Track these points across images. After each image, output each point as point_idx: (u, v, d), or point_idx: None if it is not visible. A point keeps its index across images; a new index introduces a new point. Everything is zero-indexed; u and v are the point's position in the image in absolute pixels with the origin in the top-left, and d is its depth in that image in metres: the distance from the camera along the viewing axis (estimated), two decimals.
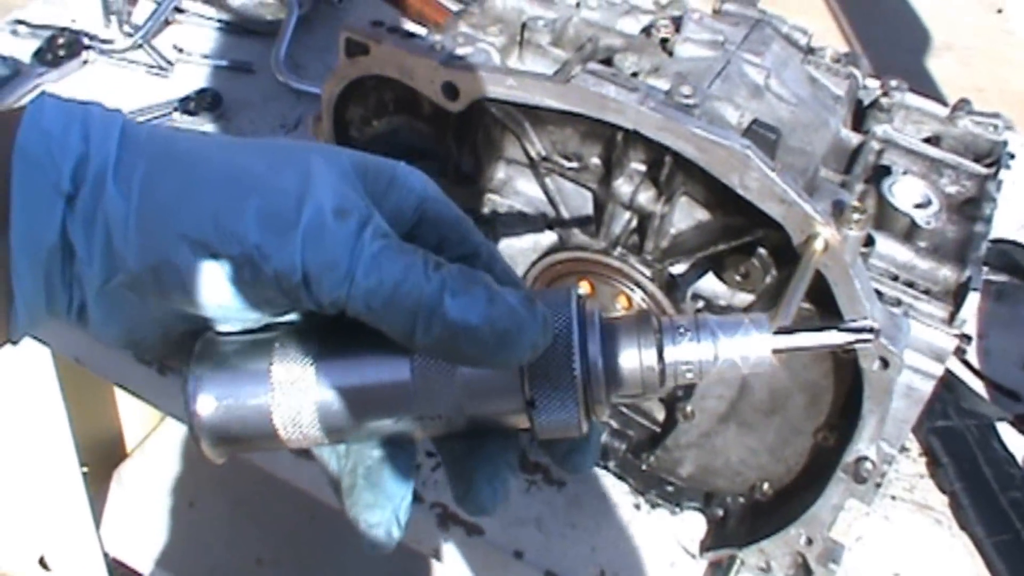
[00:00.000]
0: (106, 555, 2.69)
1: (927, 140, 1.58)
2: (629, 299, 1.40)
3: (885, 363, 1.22)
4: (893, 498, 1.70)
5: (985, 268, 2.05)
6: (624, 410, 1.59)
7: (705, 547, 1.59)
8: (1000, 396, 1.85)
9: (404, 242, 0.68)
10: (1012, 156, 1.56)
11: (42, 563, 2.90)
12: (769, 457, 1.49)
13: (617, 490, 1.63)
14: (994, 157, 1.56)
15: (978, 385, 1.86)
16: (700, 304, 1.39)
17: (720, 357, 0.76)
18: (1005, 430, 1.78)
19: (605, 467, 1.65)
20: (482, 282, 0.68)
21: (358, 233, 0.65)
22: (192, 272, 0.64)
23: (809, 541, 1.45)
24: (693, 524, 1.61)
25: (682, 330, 0.75)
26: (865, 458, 1.33)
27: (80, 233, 0.63)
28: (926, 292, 1.36)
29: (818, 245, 1.16)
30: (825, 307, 1.26)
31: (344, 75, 1.41)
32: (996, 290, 2.02)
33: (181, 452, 2.84)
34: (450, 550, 1.62)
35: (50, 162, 0.62)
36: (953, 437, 1.74)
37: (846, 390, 1.35)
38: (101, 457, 2.78)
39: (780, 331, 0.79)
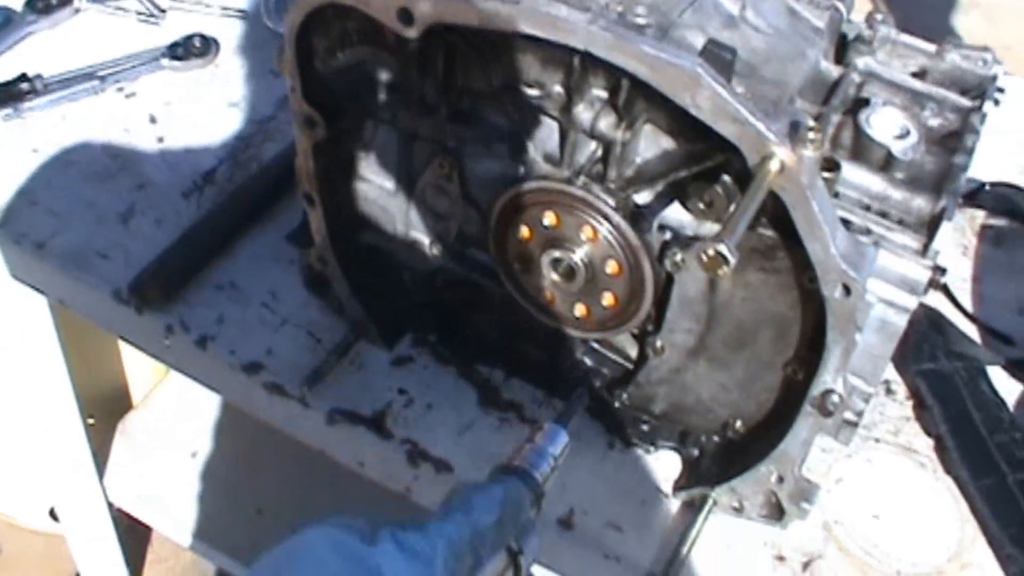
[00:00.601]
0: (111, 506, 2.70)
1: (914, 75, 1.52)
2: (595, 231, 1.37)
3: (847, 290, 1.18)
4: (877, 441, 1.66)
5: (983, 212, 2.00)
6: (597, 347, 1.56)
7: (678, 486, 1.56)
8: (993, 340, 1.80)
9: None
10: (1001, 91, 1.51)
11: (52, 515, 2.93)
12: (740, 393, 1.46)
13: (591, 429, 1.60)
14: (981, 91, 1.50)
15: (970, 329, 1.81)
16: (667, 235, 1.36)
17: None
18: (996, 374, 1.73)
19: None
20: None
21: None
22: None
23: (780, 479, 1.42)
24: (668, 464, 1.58)
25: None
26: (831, 391, 1.29)
27: None
28: (899, 223, 1.32)
29: (773, 166, 1.12)
30: (787, 234, 1.22)
31: (305, 5, 1.38)
32: (994, 234, 1.96)
33: (184, 404, 2.84)
34: (420, 488, 1.60)
35: None
36: (941, 380, 1.70)
37: (813, 322, 1.31)
38: (107, 409, 2.78)
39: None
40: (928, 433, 1.67)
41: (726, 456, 1.51)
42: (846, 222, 1.28)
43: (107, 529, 2.74)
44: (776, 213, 1.19)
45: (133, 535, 2.89)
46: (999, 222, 1.96)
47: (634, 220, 1.35)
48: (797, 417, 1.34)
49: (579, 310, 1.47)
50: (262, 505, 2.70)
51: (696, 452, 1.56)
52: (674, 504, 1.55)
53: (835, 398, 1.28)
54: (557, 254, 1.41)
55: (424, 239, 1.58)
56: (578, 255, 1.40)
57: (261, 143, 2.01)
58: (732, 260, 1.05)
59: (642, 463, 1.58)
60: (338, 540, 0.86)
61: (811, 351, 1.34)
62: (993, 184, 1.97)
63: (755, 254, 1.29)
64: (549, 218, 1.39)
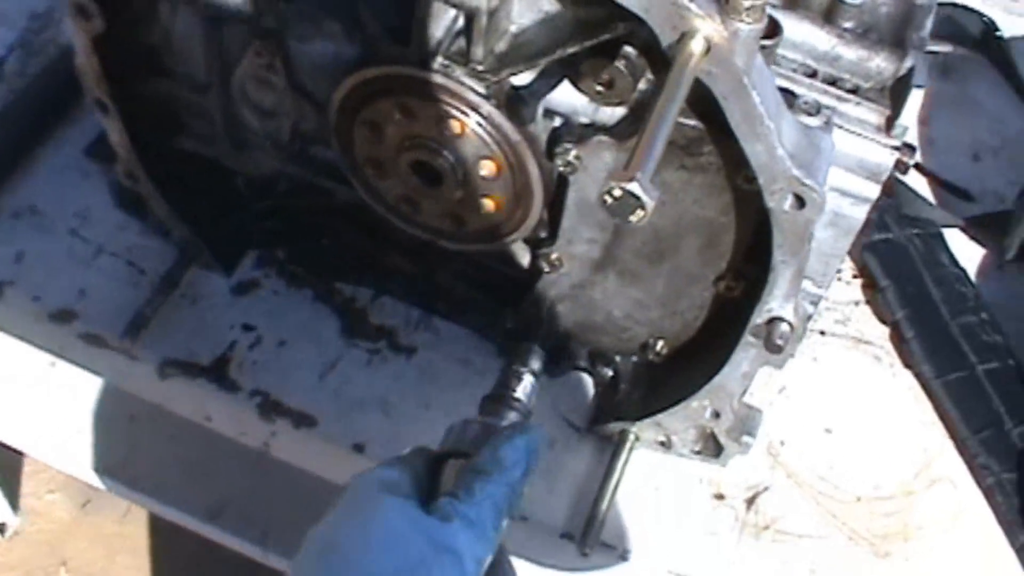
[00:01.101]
0: None
1: None
2: (462, 125, 1.04)
3: (800, 201, 0.89)
4: (822, 333, 1.39)
5: None
6: (483, 259, 1.25)
7: (593, 420, 1.28)
8: (948, 196, 1.52)
9: None
10: None
11: None
12: (660, 310, 1.17)
13: (482, 353, 1.31)
14: None
15: (921, 184, 1.53)
16: (557, 122, 1.04)
17: None
18: (954, 239, 1.46)
19: (465, 326, 1.33)
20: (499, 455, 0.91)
21: None
22: None
23: (716, 414, 1.15)
24: (577, 390, 1.30)
25: None
26: (780, 319, 1.01)
27: None
28: (854, 91, 1.02)
29: (696, 47, 0.80)
30: (715, 123, 0.91)
31: None
32: (941, 64, 1.67)
33: None
34: (281, 444, 1.30)
35: None
36: (894, 253, 1.43)
37: (752, 229, 1.03)
38: None
39: None
40: (882, 320, 1.41)
41: (648, 383, 1.24)
42: (787, 94, 0.97)
43: None
44: (700, 96, 0.88)
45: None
46: (944, 48, 1.66)
47: (511, 108, 1.03)
48: (736, 345, 1.05)
49: (451, 220, 1.16)
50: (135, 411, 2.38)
51: (610, 374, 1.28)
52: (589, 443, 1.27)
53: (784, 327, 1.00)
54: (417, 156, 1.09)
55: (253, 140, 1.24)
56: (444, 156, 1.08)
57: (60, 20, 1.60)
58: (649, 203, 0.74)
59: (545, 393, 1.29)
60: (413, 516, 0.81)
61: (750, 263, 1.05)
62: (940, 4, 1.65)
63: (674, 149, 0.99)
64: (402, 112, 1.06)
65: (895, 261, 1.42)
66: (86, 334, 1.32)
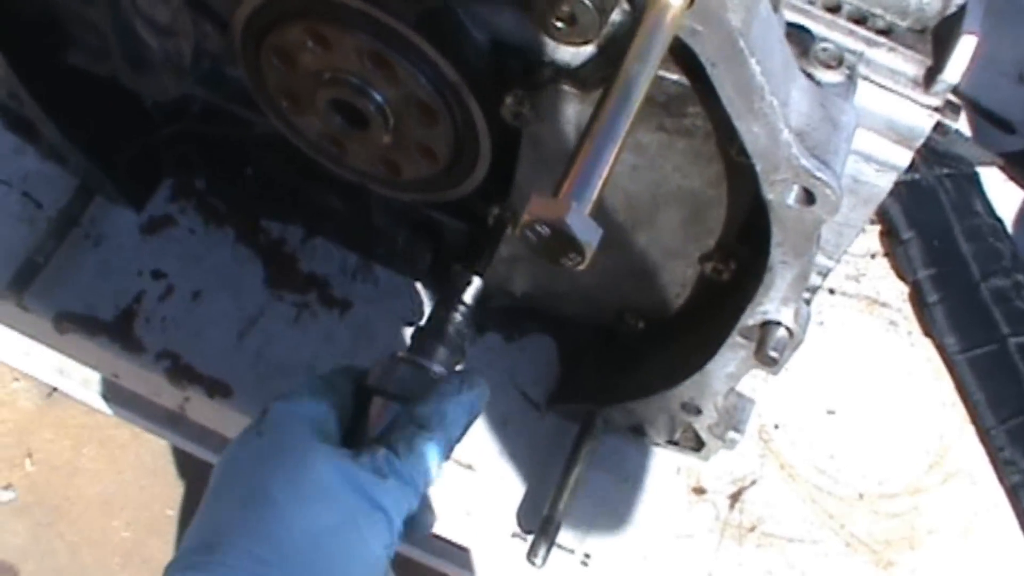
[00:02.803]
0: None
1: None
2: (385, 60, 0.83)
3: (809, 196, 0.68)
4: (831, 292, 1.19)
5: None
6: (429, 207, 1.05)
7: (554, 397, 1.10)
8: (986, 127, 1.30)
9: None
10: None
11: None
12: (634, 283, 0.98)
13: (426, 309, 1.11)
14: None
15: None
16: (507, 62, 0.83)
17: None
18: (991, 181, 1.25)
19: (408, 275, 1.13)
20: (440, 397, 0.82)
21: None
22: None
23: (697, 410, 0.96)
24: (537, 360, 1.11)
25: None
26: (776, 323, 0.81)
27: None
28: (887, 32, 0.79)
29: None
30: (703, 80, 0.70)
31: None
32: None
33: None
34: (196, 410, 1.12)
35: None
36: (919, 198, 1.22)
37: (747, 206, 0.82)
38: None
39: None
40: (901, 277, 1.20)
41: (620, 361, 1.04)
42: (800, 34, 0.76)
43: None
44: (684, 45, 0.66)
45: None
46: None
47: (447, 41, 0.82)
48: (723, 341, 0.86)
49: (384, 166, 0.95)
50: None
51: (577, 344, 1.09)
52: (548, 423, 1.09)
53: (780, 335, 0.81)
54: (335, 94, 0.88)
55: (152, 60, 1.02)
56: (367, 96, 0.87)
57: None
58: (589, 247, 0.53)
59: (500, 361, 1.10)
60: (346, 470, 0.76)
61: (744, 244, 0.85)
62: None
63: (653, 106, 0.77)
64: (316, 41, 0.85)
65: (920, 207, 1.21)
66: None
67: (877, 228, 1.23)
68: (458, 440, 0.82)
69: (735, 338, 0.85)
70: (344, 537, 0.74)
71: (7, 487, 2.33)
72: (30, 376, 2.27)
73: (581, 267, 0.55)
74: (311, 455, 0.77)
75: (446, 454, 0.81)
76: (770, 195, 0.70)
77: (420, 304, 1.12)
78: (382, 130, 0.90)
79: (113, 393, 1.58)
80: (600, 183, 0.55)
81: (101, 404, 1.67)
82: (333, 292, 1.14)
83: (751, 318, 0.82)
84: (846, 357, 1.15)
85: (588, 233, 0.53)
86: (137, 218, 1.16)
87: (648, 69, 0.59)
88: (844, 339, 1.16)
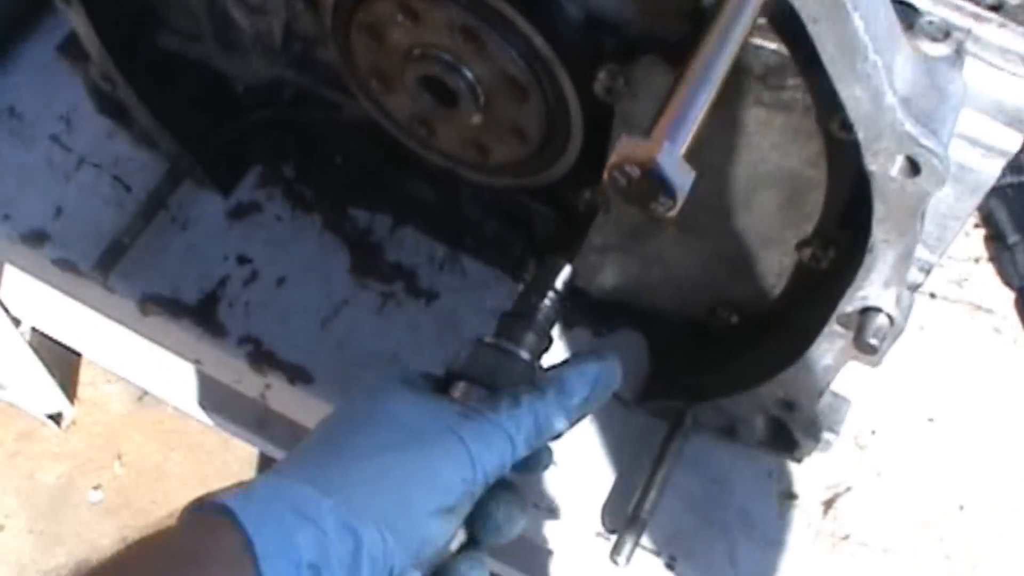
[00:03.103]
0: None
1: None
2: (475, 35, 0.81)
3: (914, 166, 0.65)
4: (932, 296, 1.14)
5: None
6: (516, 194, 1.03)
7: (642, 394, 1.06)
8: None
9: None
10: None
11: None
12: (728, 274, 0.94)
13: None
14: None
15: None
16: (602, 39, 0.80)
17: None
18: None
19: (496, 266, 1.11)
20: (566, 373, 0.79)
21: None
22: (441, 533, 0.72)
23: (790, 406, 0.92)
24: (625, 357, 1.07)
25: None
26: (876, 310, 0.77)
27: None
28: (997, 8, 0.75)
29: None
30: (806, 48, 0.67)
31: None
32: None
33: None
34: (277, 397, 1.11)
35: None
36: None
37: (849, 187, 0.79)
38: None
39: None
40: (1007, 283, 1.15)
41: (712, 357, 1.01)
42: (905, 8, 0.72)
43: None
44: (784, 8, 0.63)
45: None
46: None
47: (541, 15, 0.79)
48: (820, 332, 0.82)
49: (473, 149, 0.93)
50: None
51: (667, 339, 1.06)
52: (636, 421, 1.06)
53: (881, 322, 0.77)
54: (425, 70, 0.86)
55: (244, 41, 1.02)
56: (458, 73, 0.85)
57: None
58: (680, 191, 0.50)
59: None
60: (431, 404, 0.75)
61: (845, 229, 0.81)
62: None
63: (749, 79, 0.74)
64: (406, 14, 0.84)
65: None
66: (60, 260, 1.13)
67: (982, 232, 1.18)
68: (581, 410, 0.78)
69: (833, 327, 0.81)
70: (411, 455, 0.71)
71: (96, 488, 2.35)
72: (123, 379, 2.31)
73: (671, 213, 0.52)
74: (393, 390, 0.76)
75: (565, 418, 0.77)
76: (872, 166, 0.67)
77: (508, 297, 1.10)
78: (472, 109, 0.88)
79: (202, 395, 1.59)
80: (694, 127, 0.52)
81: (191, 406, 1.68)
82: (419, 282, 1.12)
83: (850, 304, 0.78)
84: (947, 363, 1.10)
85: (680, 175, 0.50)
86: (224, 203, 1.16)
87: (748, 10, 0.56)
88: (945, 344, 1.11)
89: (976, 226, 1.19)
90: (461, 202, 1.08)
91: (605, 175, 0.52)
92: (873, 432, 1.06)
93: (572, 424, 0.78)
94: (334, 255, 1.13)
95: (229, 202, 1.16)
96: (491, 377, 0.79)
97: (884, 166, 0.66)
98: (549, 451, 0.79)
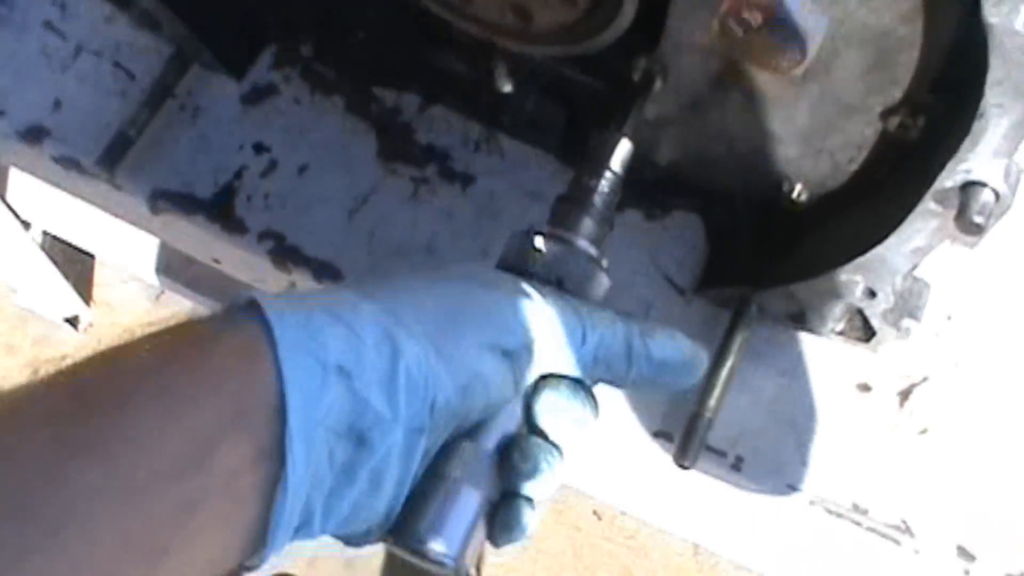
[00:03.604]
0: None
1: None
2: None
3: None
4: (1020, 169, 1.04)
5: None
6: (560, 65, 0.93)
7: (703, 281, 0.98)
8: None
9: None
10: None
11: None
12: (802, 147, 0.85)
13: (558, 182, 1.00)
14: None
15: None
16: None
17: None
18: None
19: (537, 146, 1.02)
20: (656, 325, 0.70)
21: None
22: (494, 374, 0.63)
23: (871, 293, 0.84)
24: (683, 240, 0.99)
25: None
26: (981, 184, 0.68)
27: (380, 395, 0.57)
28: None
29: None
30: None
31: None
32: None
33: None
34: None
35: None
36: None
37: (947, 48, 0.69)
38: None
39: None
40: None
41: (780, 238, 0.92)
42: None
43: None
44: None
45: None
46: None
47: None
48: (909, 210, 0.73)
49: (514, 13, 0.83)
50: None
51: (727, 217, 0.97)
52: (696, 311, 0.97)
53: (987, 197, 0.67)
54: None
55: None
56: None
57: None
58: (811, 46, 0.41)
59: (640, 241, 0.99)
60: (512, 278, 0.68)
61: (938, 96, 0.71)
62: None
63: None
64: None
65: None
66: (63, 157, 1.05)
67: None
68: (651, 371, 0.69)
69: (928, 204, 0.72)
70: (473, 289, 0.65)
71: None
72: (138, 278, 2.25)
73: (798, 70, 0.43)
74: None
75: (634, 367, 0.68)
76: (994, 18, 0.57)
77: (551, 178, 1.01)
78: None
79: (221, 291, 1.51)
80: None
81: (209, 303, 1.61)
82: (453, 165, 1.03)
83: (950, 179, 0.69)
84: None
85: (811, 20, 0.41)
86: (237, 88, 1.06)
87: None
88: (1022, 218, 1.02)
89: None
90: (497, 76, 0.98)
91: (715, 25, 0.42)
92: (949, 318, 0.98)
93: (633, 381, 0.69)
94: (359, 139, 1.04)
95: (242, 86, 1.06)
96: (549, 269, 0.70)
97: (1007, 17, 0.57)
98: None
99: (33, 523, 0.47)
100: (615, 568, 2.14)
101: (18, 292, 2.29)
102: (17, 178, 1.78)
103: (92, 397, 0.52)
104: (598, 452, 0.99)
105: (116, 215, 1.11)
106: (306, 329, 0.56)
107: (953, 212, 0.70)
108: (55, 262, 2.14)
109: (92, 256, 2.27)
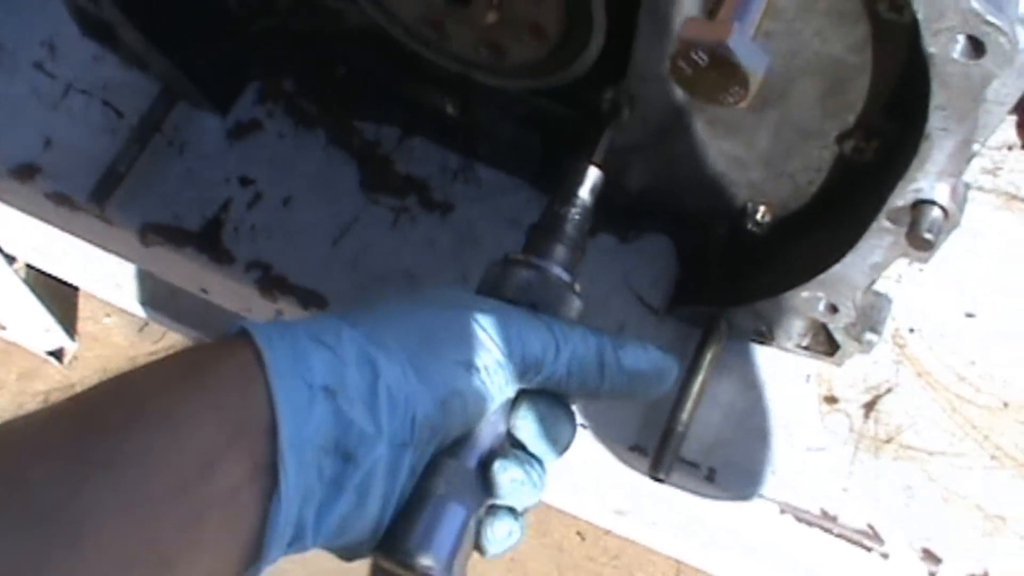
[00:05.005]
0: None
1: None
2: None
3: (978, 47, 0.59)
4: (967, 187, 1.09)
5: None
6: (534, 96, 0.97)
7: (673, 300, 1.02)
8: None
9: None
10: None
11: None
12: (764, 171, 0.89)
13: (535, 209, 1.03)
14: None
15: None
16: None
17: None
18: None
19: (514, 174, 1.06)
20: (627, 339, 0.73)
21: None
22: (471, 390, 0.66)
23: (832, 308, 0.88)
24: (655, 262, 1.04)
25: None
26: (931, 203, 0.72)
27: (363, 412, 0.61)
28: None
29: None
30: None
31: None
32: None
33: None
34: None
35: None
36: None
37: (896, 74, 0.73)
38: None
39: None
40: None
41: (746, 258, 0.96)
42: None
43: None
44: None
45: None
46: None
47: None
48: (865, 228, 0.78)
49: (488, 50, 0.88)
50: None
51: (698, 241, 1.01)
52: (668, 329, 1.02)
53: (935, 215, 0.72)
54: None
55: None
56: None
57: None
58: (755, 74, 0.46)
59: (614, 264, 1.03)
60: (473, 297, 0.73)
61: (889, 120, 0.76)
62: None
63: None
64: None
65: None
66: (53, 193, 1.08)
67: (1013, 119, 1.13)
68: (622, 381, 0.72)
69: (882, 222, 0.76)
70: (448, 312, 0.69)
71: None
72: (123, 311, 2.26)
73: (743, 103, 0.48)
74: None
75: (606, 376, 0.72)
76: (932, 48, 0.62)
77: (527, 205, 1.05)
78: (486, 6, 0.82)
79: (205, 322, 1.54)
80: (763, 4, 0.47)
81: (193, 334, 1.63)
82: (433, 194, 1.07)
83: (901, 198, 0.73)
84: (984, 255, 1.06)
85: (753, 59, 0.45)
86: (223, 123, 1.10)
87: None
88: (981, 236, 1.07)
89: (1008, 112, 1.13)
90: (473, 108, 1.03)
91: (668, 65, 0.46)
92: (911, 330, 1.02)
93: (607, 392, 0.72)
94: (341, 171, 1.08)
95: (227, 122, 1.10)
96: (525, 296, 0.74)
97: (945, 47, 0.61)
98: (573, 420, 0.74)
99: (50, 534, 0.51)
100: None
101: (4, 327, 2.31)
102: (1, 212, 1.80)
103: (102, 419, 0.56)
104: (575, 469, 1.03)
105: (106, 249, 1.15)
106: (293, 353, 0.60)
107: (905, 229, 0.74)
108: (39, 296, 2.16)
109: (77, 288, 2.29)
